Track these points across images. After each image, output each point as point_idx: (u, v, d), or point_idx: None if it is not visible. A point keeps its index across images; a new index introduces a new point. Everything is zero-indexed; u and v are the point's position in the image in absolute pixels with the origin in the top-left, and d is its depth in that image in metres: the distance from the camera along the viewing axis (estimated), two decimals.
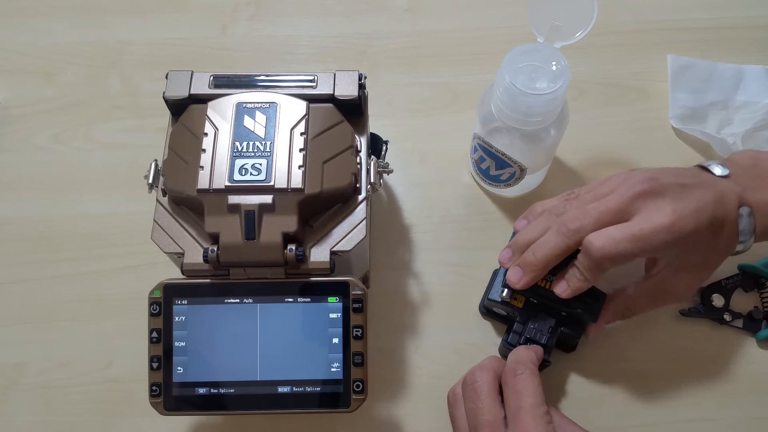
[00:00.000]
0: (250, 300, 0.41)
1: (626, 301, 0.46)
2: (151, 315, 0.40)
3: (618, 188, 0.42)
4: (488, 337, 0.51)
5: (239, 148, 0.41)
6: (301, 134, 0.41)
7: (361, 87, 0.45)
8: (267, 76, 0.45)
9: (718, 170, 0.44)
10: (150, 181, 0.42)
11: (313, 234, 0.41)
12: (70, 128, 0.59)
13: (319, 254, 0.41)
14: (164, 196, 0.43)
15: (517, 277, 0.43)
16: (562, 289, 0.43)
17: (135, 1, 0.65)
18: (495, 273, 0.49)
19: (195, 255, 0.40)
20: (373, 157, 0.45)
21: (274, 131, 0.41)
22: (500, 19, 0.64)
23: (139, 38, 0.63)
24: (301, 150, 0.41)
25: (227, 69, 0.61)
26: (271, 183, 0.40)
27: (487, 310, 0.50)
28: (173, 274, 0.41)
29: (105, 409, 0.49)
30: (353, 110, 0.45)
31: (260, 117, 0.42)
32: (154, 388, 0.40)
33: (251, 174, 0.40)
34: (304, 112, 0.42)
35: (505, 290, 0.46)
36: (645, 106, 0.60)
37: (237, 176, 0.40)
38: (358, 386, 0.40)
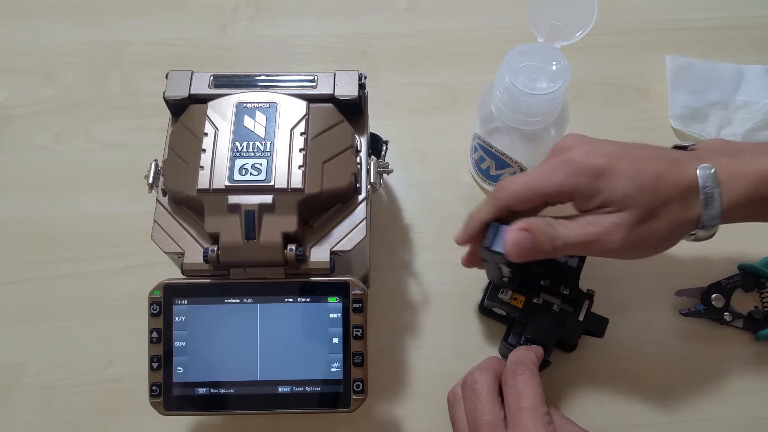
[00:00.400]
0: (250, 300, 0.41)
1: (551, 225, 0.38)
2: (151, 315, 0.40)
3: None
4: (488, 337, 0.51)
5: (239, 148, 0.41)
6: (301, 134, 0.41)
7: (361, 87, 0.45)
8: (267, 76, 0.45)
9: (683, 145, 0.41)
10: (150, 181, 0.42)
11: (313, 234, 0.41)
12: (70, 128, 0.59)
13: (319, 254, 0.41)
14: (164, 196, 0.43)
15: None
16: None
17: (135, 1, 0.65)
18: None
19: (195, 255, 0.40)
20: (373, 157, 0.45)
21: (274, 131, 0.41)
22: (500, 19, 0.64)
23: (139, 38, 0.63)
24: (301, 150, 0.41)
25: (227, 69, 0.61)
26: (271, 183, 0.40)
27: (487, 310, 0.50)
28: (173, 274, 0.41)
29: (105, 409, 0.49)
30: (353, 110, 0.45)
31: (260, 117, 0.42)
32: (154, 388, 0.40)
33: (251, 174, 0.40)
34: (304, 112, 0.42)
35: (506, 291, 0.46)
36: (645, 106, 0.60)
37: (237, 176, 0.40)
38: (358, 386, 0.40)
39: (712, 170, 0.37)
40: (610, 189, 0.37)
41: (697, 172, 0.37)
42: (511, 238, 0.39)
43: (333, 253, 0.41)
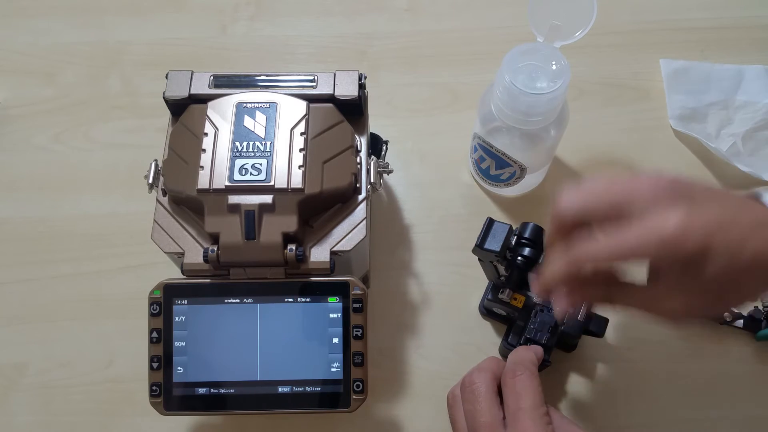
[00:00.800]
0: (250, 300, 0.41)
1: (611, 293, 0.38)
2: (151, 315, 0.40)
3: (636, 182, 0.34)
4: (488, 337, 0.51)
5: (239, 148, 0.41)
6: (301, 134, 0.41)
7: (361, 87, 0.45)
8: (267, 76, 0.45)
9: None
10: (150, 181, 0.42)
11: (313, 234, 0.41)
12: (70, 128, 0.59)
13: (319, 254, 0.41)
14: (164, 196, 0.43)
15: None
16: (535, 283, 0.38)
17: (135, 1, 0.65)
18: None
19: (195, 255, 0.40)
20: (373, 157, 0.45)
21: (274, 131, 0.41)
22: (500, 19, 0.64)
23: (139, 38, 0.63)
24: (301, 150, 0.41)
25: (227, 69, 0.61)
26: (271, 183, 0.40)
27: (487, 310, 0.50)
28: (173, 274, 0.41)
29: (105, 409, 0.49)
30: (353, 110, 0.45)
31: (260, 117, 0.42)
32: (154, 388, 0.40)
33: (251, 174, 0.40)
34: (304, 112, 0.42)
35: (506, 290, 0.46)
36: (645, 106, 0.60)
37: (237, 176, 0.40)
38: (358, 386, 0.40)
39: None
40: (698, 273, 0.33)
41: None
42: (567, 305, 0.37)
43: (333, 253, 0.41)
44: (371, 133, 0.50)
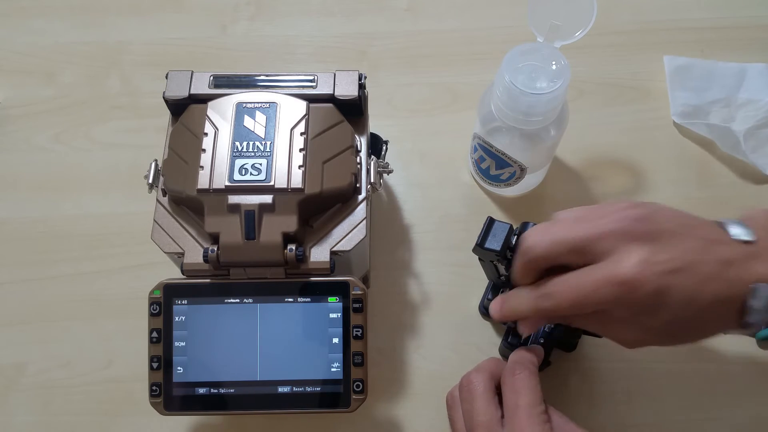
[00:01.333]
0: (250, 300, 0.41)
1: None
2: (151, 315, 0.40)
3: (602, 219, 0.35)
4: (488, 337, 0.51)
5: (239, 148, 0.41)
6: (301, 134, 0.41)
7: (361, 87, 0.45)
8: (267, 76, 0.45)
9: (737, 231, 0.34)
10: (150, 181, 0.42)
11: (313, 234, 0.41)
12: (70, 128, 0.59)
13: (319, 254, 0.41)
14: (164, 196, 0.43)
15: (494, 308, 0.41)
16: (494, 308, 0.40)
17: (135, 1, 0.65)
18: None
19: (195, 255, 0.40)
20: (373, 157, 0.45)
21: (274, 131, 0.41)
22: (500, 19, 0.64)
23: (139, 38, 0.63)
24: (301, 150, 0.41)
25: (227, 69, 0.61)
26: (271, 183, 0.40)
27: (487, 310, 0.50)
28: (173, 274, 0.41)
29: (105, 409, 0.49)
30: (353, 110, 0.45)
31: (260, 117, 0.42)
32: (154, 388, 0.40)
33: (251, 174, 0.40)
34: (304, 112, 0.42)
35: (506, 290, 0.46)
36: (645, 105, 0.60)
37: (237, 176, 0.40)
38: (358, 386, 0.40)
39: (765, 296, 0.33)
40: (652, 316, 0.34)
41: (750, 302, 0.33)
42: (530, 330, 0.40)
43: (333, 253, 0.41)
44: (371, 133, 0.50)
